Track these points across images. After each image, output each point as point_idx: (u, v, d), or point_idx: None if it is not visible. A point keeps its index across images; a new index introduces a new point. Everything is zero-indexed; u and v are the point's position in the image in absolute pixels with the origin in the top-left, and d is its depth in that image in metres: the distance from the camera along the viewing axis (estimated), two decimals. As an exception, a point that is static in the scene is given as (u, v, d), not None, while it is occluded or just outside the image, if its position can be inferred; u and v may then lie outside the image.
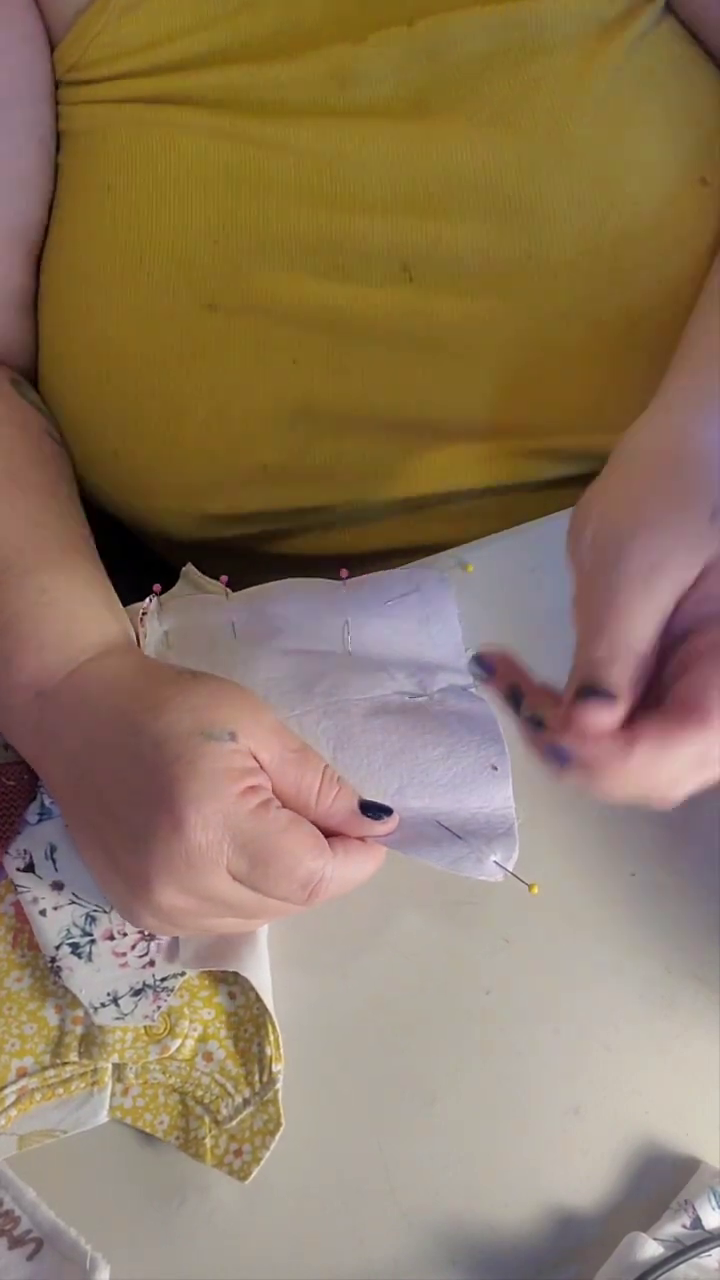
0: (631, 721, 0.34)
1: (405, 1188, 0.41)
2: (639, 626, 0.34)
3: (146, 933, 0.44)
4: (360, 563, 0.54)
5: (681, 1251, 0.38)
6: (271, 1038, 0.42)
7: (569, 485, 0.59)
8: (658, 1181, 0.41)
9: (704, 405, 0.39)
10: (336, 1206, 0.41)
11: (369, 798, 0.41)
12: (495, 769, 0.45)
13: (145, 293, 0.53)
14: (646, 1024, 0.43)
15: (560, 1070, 0.43)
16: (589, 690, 0.34)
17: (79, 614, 0.46)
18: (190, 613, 0.52)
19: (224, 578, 0.53)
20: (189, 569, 0.55)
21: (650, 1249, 0.38)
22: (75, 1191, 0.42)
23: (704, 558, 0.34)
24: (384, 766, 0.45)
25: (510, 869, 0.42)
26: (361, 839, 0.41)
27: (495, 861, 0.42)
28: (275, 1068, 0.42)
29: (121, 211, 0.54)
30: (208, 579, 0.54)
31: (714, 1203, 0.39)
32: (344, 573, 0.51)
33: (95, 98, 0.55)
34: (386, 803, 0.41)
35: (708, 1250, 0.38)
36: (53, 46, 0.55)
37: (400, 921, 0.45)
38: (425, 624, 0.51)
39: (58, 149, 0.57)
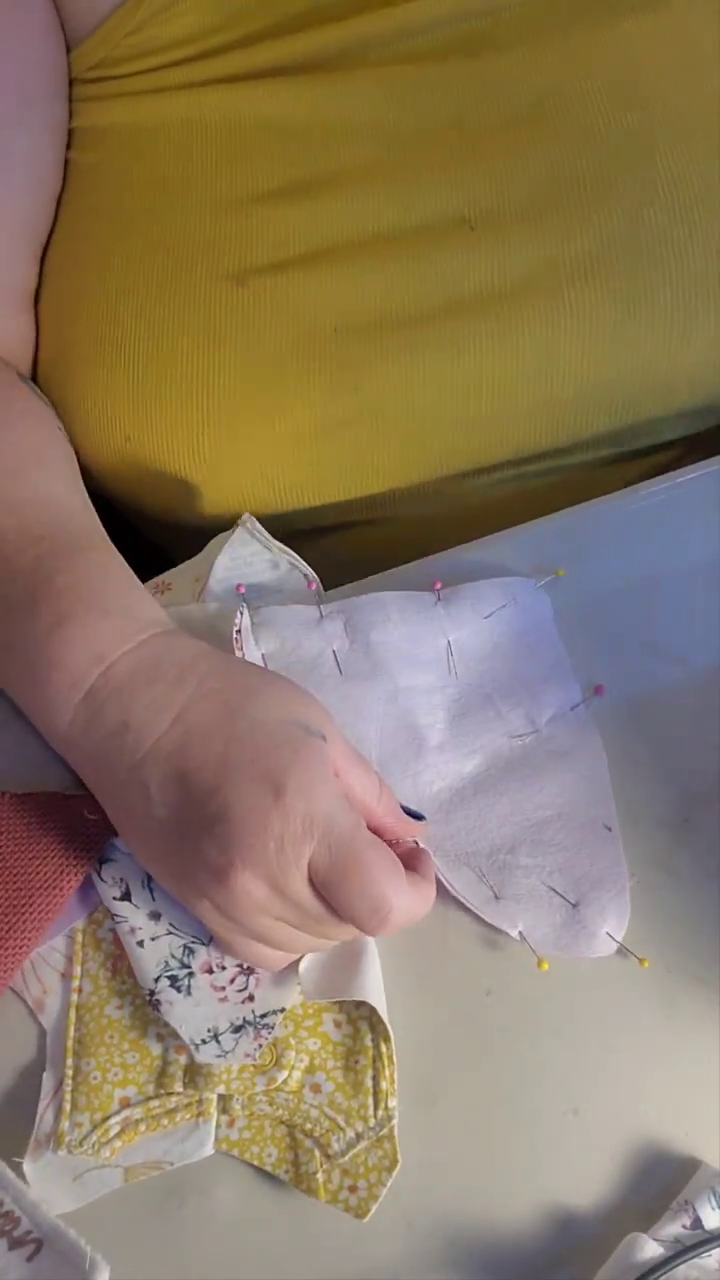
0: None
1: (405, 1188, 0.41)
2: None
3: (245, 966, 0.43)
4: (383, 566, 0.53)
5: (681, 1252, 0.38)
6: (387, 1072, 0.42)
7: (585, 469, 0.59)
8: (658, 1181, 0.41)
9: None
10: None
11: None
12: (608, 829, 0.46)
13: (166, 274, 0.53)
14: (646, 1024, 0.43)
15: (560, 1070, 0.43)
16: None
17: (137, 592, 0.45)
18: (288, 633, 0.49)
19: (313, 584, 0.51)
20: (247, 518, 0.52)
21: (650, 1249, 0.38)
22: (75, 1192, 0.42)
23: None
24: (497, 826, 0.46)
25: (620, 939, 0.43)
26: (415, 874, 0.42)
27: (607, 933, 0.43)
28: (390, 1103, 0.41)
29: (145, 198, 0.54)
30: (268, 535, 0.51)
31: (714, 1203, 0.39)
32: (437, 584, 0.50)
33: (126, 91, 0.55)
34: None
35: (708, 1250, 0.38)
36: (70, 46, 0.55)
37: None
38: (525, 638, 0.50)
39: (68, 145, 0.57)
